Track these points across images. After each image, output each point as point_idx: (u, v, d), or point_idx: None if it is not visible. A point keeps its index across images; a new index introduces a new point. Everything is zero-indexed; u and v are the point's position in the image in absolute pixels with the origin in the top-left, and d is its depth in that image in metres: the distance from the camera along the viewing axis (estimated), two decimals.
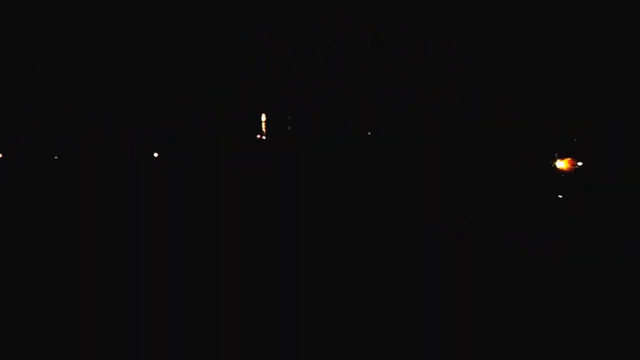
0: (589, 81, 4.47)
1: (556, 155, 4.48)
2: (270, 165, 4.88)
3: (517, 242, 4.01)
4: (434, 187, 4.86)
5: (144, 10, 4.86)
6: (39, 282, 3.47)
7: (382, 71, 5.01)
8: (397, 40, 4.97)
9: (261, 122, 4.23)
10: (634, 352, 2.36)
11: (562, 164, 4.49)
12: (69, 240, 4.45)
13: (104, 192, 5.23)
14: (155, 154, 4.97)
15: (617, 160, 4.37)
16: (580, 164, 4.29)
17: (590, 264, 3.54)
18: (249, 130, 4.74)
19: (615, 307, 2.83)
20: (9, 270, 3.73)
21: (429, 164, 4.92)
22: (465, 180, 4.79)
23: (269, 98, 4.82)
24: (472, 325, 2.66)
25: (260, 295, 3.18)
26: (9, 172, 5.26)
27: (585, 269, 3.45)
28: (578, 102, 4.51)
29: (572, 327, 2.62)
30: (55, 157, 5.18)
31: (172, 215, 4.93)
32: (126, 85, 5.02)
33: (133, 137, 5.04)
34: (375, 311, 2.89)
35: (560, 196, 4.46)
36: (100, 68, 5.01)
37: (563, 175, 4.49)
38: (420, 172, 4.92)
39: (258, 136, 4.59)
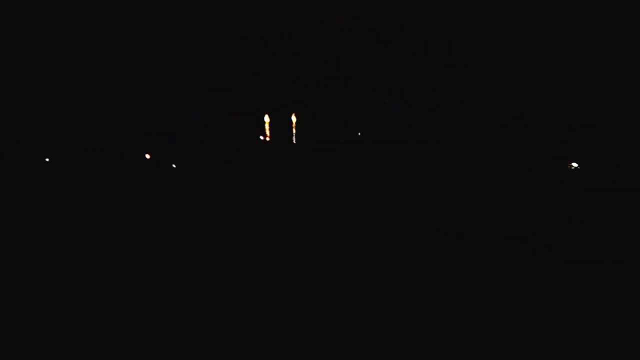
0: (588, 81, 4.48)
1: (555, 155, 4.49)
2: (272, 166, 4.88)
3: (517, 242, 4.01)
4: (434, 187, 4.86)
5: (144, 10, 4.86)
6: (38, 284, 3.47)
7: (382, 71, 5.02)
8: (397, 40, 4.97)
9: (264, 123, 4.24)
10: (634, 352, 2.37)
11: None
12: (67, 242, 4.44)
13: (103, 193, 5.23)
14: (156, 155, 4.98)
15: (617, 160, 4.37)
16: (575, 165, 4.29)
17: (590, 264, 3.55)
18: (251, 131, 4.75)
19: (615, 307, 2.83)
20: (7, 272, 3.73)
21: (429, 164, 4.92)
22: (465, 180, 4.80)
23: (269, 99, 4.83)
24: (472, 325, 2.66)
25: (261, 295, 3.18)
26: (6, 173, 5.26)
27: (585, 269, 3.46)
28: (578, 102, 4.52)
29: (572, 327, 2.63)
30: (55, 158, 5.18)
31: (172, 216, 4.93)
32: (127, 86, 5.02)
33: (133, 137, 5.04)
34: (375, 311, 2.89)
35: (559, 196, 4.47)
36: (100, 68, 5.02)
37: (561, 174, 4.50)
38: (420, 172, 4.92)
39: (261, 137, 4.60)
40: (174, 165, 4.95)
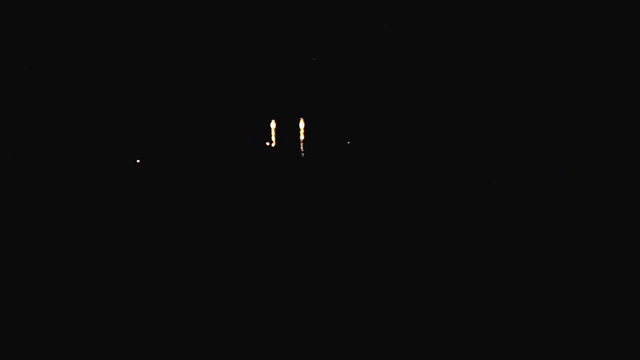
0: (589, 82, 4.52)
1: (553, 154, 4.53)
2: (276, 171, 4.89)
3: (518, 240, 4.06)
4: (434, 187, 4.90)
5: (150, 13, 4.84)
6: (33, 286, 3.49)
7: (381, 71, 5.04)
8: (398, 40, 5.00)
9: (270, 128, 4.24)
10: (634, 352, 2.41)
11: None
12: (66, 243, 4.45)
13: (105, 196, 5.23)
14: (159, 159, 4.99)
15: (617, 159, 4.42)
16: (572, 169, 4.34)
17: (590, 263, 3.60)
18: (257, 137, 4.75)
19: (615, 307, 2.88)
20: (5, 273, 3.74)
21: (428, 164, 4.96)
22: (464, 180, 4.84)
23: (273, 102, 4.84)
24: (472, 326, 2.70)
25: (261, 297, 3.21)
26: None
27: (585, 269, 3.50)
28: (578, 102, 4.56)
29: (572, 327, 2.67)
30: (45, 159, 5.17)
31: (173, 220, 4.94)
32: (132, 91, 5.01)
33: (136, 141, 5.05)
34: (375, 312, 2.93)
35: (558, 196, 4.52)
36: (107, 71, 5.01)
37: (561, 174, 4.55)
38: (420, 172, 4.96)
39: (267, 143, 4.61)
40: (176, 171, 4.96)
